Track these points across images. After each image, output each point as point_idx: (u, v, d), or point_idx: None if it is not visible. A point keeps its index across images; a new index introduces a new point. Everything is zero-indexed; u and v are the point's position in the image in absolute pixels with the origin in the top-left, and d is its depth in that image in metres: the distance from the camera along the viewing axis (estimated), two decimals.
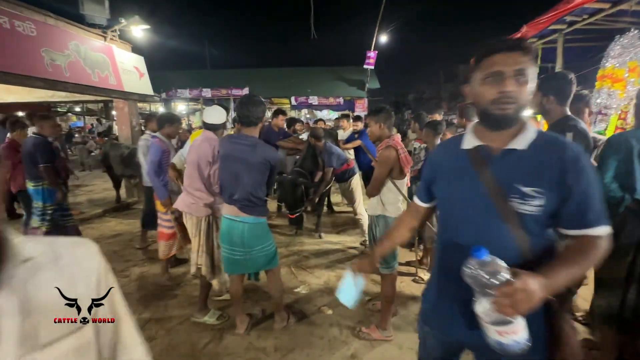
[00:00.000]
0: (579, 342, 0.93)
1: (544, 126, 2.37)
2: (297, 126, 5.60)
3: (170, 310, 2.62)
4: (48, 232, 3.21)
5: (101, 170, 6.76)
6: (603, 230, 0.84)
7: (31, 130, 3.45)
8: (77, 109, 16.65)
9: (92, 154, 10.74)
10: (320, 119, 6.33)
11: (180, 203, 2.39)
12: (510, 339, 0.77)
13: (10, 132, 4.05)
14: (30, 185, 3.26)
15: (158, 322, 2.47)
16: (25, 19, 4.35)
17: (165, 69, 16.54)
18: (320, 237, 4.15)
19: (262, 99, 2.07)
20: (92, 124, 18.26)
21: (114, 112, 13.00)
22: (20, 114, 7.99)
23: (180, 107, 16.55)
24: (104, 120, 15.35)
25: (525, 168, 0.87)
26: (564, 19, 4.02)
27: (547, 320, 0.91)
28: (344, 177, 3.99)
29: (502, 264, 0.78)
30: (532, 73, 0.84)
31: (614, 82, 3.62)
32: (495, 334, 0.78)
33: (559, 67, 4.56)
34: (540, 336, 0.89)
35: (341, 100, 14.94)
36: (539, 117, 3.00)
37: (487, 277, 0.76)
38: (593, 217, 0.84)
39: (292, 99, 15.04)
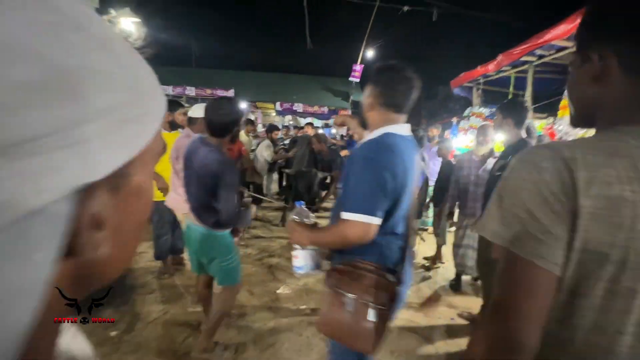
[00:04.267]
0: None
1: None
2: (274, 134, 5.62)
3: (148, 305, 2.62)
4: None
5: None
6: (350, 215, 1.07)
7: None
8: None
9: None
10: (310, 123, 6.42)
11: (168, 199, 2.44)
12: (294, 262, 1.27)
13: None
14: None
15: (136, 316, 2.47)
16: None
17: (149, 63, 16.14)
18: None
19: (241, 106, 1.84)
20: None
21: None
22: None
23: None
24: None
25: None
26: (534, 52, 4.42)
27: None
28: None
29: (308, 212, 1.27)
30: (367, 92, 1.21)
31: None
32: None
33: (528, 94, 4.98)
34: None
35: (325, 109, 15.24)
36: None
37: (298, 217, 1.27)
38: (346, 205, 1.10)
39: (277, 104, 15.16)
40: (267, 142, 5.19)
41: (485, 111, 6.44)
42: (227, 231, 1.91)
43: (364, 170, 1.08)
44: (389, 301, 1.09)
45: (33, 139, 0.17)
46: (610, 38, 0.56)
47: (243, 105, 13.59)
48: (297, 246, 1.24)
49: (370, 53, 14.17)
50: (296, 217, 1.28)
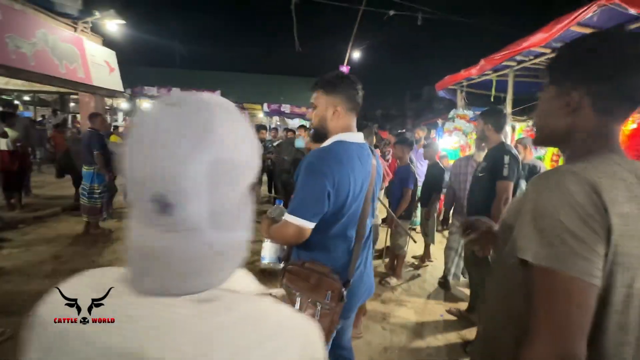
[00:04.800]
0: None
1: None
2: (262, 133, 5.71)
3: None
4: (93, 208, 4.11)
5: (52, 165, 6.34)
6: (287, 217, 1.16)
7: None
8: (27, 97, 15.29)
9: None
10: (302, 126, 6.40)
11: None
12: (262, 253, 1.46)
13: None
14: (84, 169, 4.14)
15: None
16: None
17: (132, 64, 15.85)
18: None
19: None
20: (43, 115, 16.82)
21: (71, 104, 12.16)
22: None
23: (146, 105, 15.91)
24: (58, 112, 14.26)
25: None
26: (514, 57, 4.62)
27: None
28: None
29: (284, 210, 1.29)
30: (319, 101, 1.25)
31: None
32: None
33: (509, 97, 5.19)
34: None
35: None
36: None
37: (272, 213, 1.41)
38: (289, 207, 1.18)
39: (265, 105, 15.10)
40: None
41: (469, 113, 6.66)
42: None
43: (307, 176, 1.15)
44: (334, 300, 1.15)
45: None
46: (587, 80, 0.67)
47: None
48: (266, 239, 1.41)
49: (356, 55, 14.34)
50: (270, 213, 1.41)
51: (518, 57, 4.68)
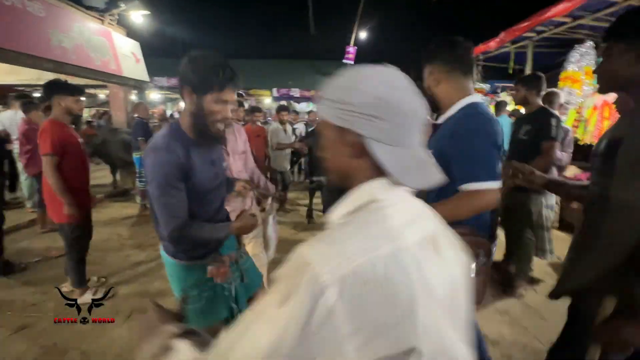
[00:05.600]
0: None
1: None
2: (256, 116, 4.48)
3: None
4: (144, 191, 4.28)
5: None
6: (475, 185, 1.14)
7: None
8: (37, 94, 15.50)
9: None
10: (283, 106, 5.37)
11: None
12: None
13: (25, 113, 4.04)
14: (134, 155, 4.61)
15: None
16: None
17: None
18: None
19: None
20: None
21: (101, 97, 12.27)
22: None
23: (154, 96, 16.04)
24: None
25: None
26: (534, 28, 4.77)
27: None
28: None
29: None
30: (436, 69, 1.30)
31: (573, 82, 4.42)
32: None
33: (528, 69, 5.35)
34: None
35: None
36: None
37: None
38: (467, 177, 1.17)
39: (274, 90, 15.23)
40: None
41: (486, 87, 6.82)
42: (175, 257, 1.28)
43: (474, 140, 1.16)
44: (485, 257, 1.13)
45: None
46: None
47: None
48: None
49: (362, 35, 14.28)
50: None
51: (538, 28, 4.82)
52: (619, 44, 1.02)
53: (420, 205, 0.55)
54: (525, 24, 4.63)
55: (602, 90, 1.12)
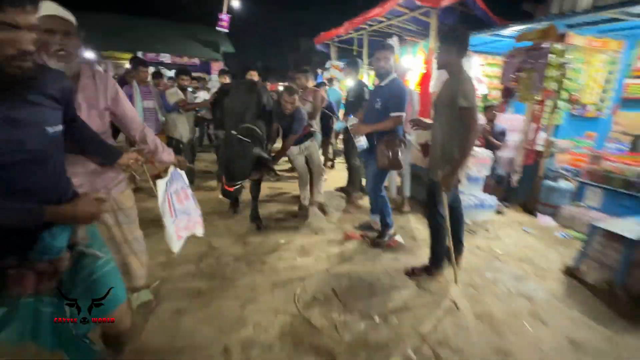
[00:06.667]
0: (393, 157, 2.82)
1: None
2: (185, 80, 4.26)
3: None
4: None
5: None
6: (393, 114, 2.77)
7: None
8: None
9: None
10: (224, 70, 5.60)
11: None
12: (358, 143, 3.00)
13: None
14: None
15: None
16: None
17: None
18: (259, 228, 3.34)
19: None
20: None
21: None
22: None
23: None
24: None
25: None
26: (367, 22, 6.56)
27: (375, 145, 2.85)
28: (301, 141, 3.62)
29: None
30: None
31: None
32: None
33: (365, 52, 7.28)
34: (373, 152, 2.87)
35: (197, 60, 14.78)
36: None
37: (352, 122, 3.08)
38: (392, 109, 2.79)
39: (140, 54, 13.73)
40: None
41: (341, 64, 8.61)
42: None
43: (401, 96, 2.79)
44: (398, 146, 2.74)
45: None
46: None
47: (90, 54, 11.79)
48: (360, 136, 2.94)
49: (236, 3, 14.33)
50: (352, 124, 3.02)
51: (369, 22, 6.65)
52: (443, 44, 2.26)
53: None
54: (360, 18, 6.36)
55: (439, 68, 2.35)
